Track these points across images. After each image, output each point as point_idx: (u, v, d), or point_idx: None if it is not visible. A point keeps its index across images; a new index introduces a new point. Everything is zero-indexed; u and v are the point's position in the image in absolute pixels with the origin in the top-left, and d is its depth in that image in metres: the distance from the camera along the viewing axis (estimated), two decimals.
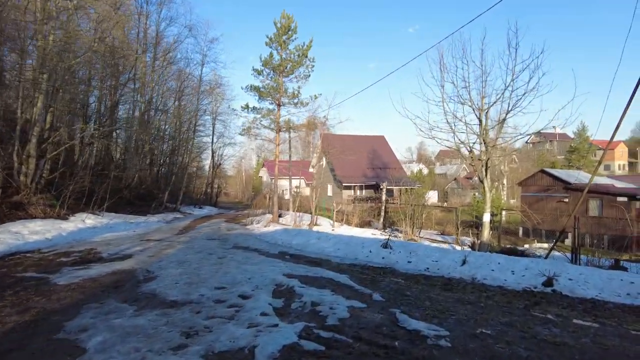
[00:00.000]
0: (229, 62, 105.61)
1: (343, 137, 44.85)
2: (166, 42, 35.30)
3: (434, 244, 14.21)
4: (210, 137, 48.14)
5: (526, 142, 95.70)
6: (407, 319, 4.87)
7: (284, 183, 41.52)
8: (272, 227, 17.78)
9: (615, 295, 6.88)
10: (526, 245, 19.25)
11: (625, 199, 19.75)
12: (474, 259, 8.45)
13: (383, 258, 9.39)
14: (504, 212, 39.29)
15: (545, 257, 10.52)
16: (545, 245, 19.60)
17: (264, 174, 67.78)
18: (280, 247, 11.61)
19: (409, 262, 8.96)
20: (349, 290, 6.50)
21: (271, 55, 24.42)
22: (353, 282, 7.06)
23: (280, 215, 28.38)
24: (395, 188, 36.78)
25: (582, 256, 12.45)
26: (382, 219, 23.30)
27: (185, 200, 38.09)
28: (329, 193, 42.67)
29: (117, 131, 28.55)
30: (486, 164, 11.20)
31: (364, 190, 40.04)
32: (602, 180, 26.45)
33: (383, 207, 23.35)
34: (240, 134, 32.22)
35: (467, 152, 11.57)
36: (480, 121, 11.16)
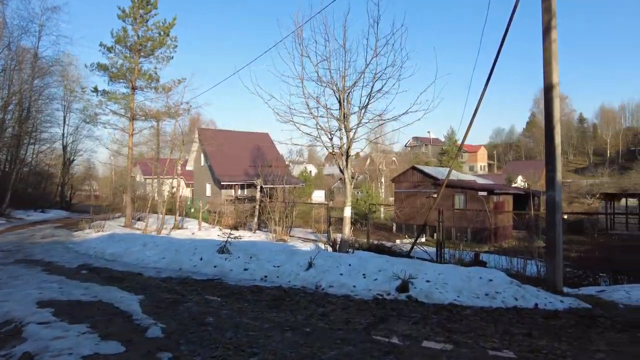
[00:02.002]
0: (76, 37, 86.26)
1: (224, 133, 41.95)
2: None
3: (299, 244, 12.63)
4: (61, 129, 41.00)
5: (405, 146, 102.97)
6: None
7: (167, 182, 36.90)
8: (100, 234, 14.50)
9: (474, 297, 5.78)
10: (397, 241, 18.95)
11: (485, 193, 20.80)
12: (322, 261, 6.84)
13: (215, 267, 7.32)
14: (382, 209, 40.55)
15: (408, 253, 9.52)
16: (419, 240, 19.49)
17: (140, 173, 61.03)
18: (88, 258, 8.83)
19: (245, 269, 7.02)
20: (120, 322, 4.26)
21: (125, 30, 20.74)
22: (141, 308, 4.83)
23: (139, 219, 24.61)
24: (278, 187, 35.26)
25: (447, 249, 12.04)
26: (256, 219, 21.26)
27: (26, 203, 31.34)
28: (208, 193, 39.36)
29: None
30: (347, 152, 9.85)
31: (245, 190, 37.64)
32: (466, 177, 28.22)
33: (257, 207, 21.32)
34: (85, 121, 27.19)
35: (327, 140, 10.10)
36: (341, 104, 9.78)
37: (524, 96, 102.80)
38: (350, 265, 6.64)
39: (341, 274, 6.40)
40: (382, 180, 47.93)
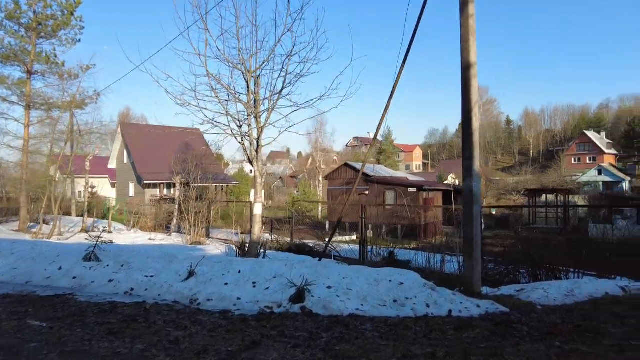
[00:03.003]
0: None
1: (151, 128, 38.93)
2: None
3: (210, 247, 11.32)
4: None
5: (346, 146, 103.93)
6: None
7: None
8: None
9: (380, 304, 4.87)
10: (327, 239, 18.12)
11: (414, 189, 20.61)
12: (207, 268, 5.63)
13: (74, 278, 5.85)
14: (320, 207, 39.80)
15: (323, 253, 8.57)
16: (347, 238, 18.82)
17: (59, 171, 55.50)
18: None
19: (110, 281, 5.63)
20: None
21: (17, 4, 18.00)
22: None
23: (45, 222, 21.69)
24: (209, 186, 33.28)
25: (373, 247, 11.30)
26: (175, 220, 19.44)
27: None
28: (131, 193, 36.33)
29: None
30: (257, 141, 8.69)
31: (172, 189, 35.13)
32: (398, 174, 28.20)
33: (177, 207, 19.50)
34: None
35: (237, 128, 8.85)
36: (249, 87, 8.59)
37: (457, 98, 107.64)
38: (240, 272, 5.49)
39: (226, 284, 5.23)
40: (320, 178, 47.36)
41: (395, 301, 4.94)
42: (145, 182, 32.64)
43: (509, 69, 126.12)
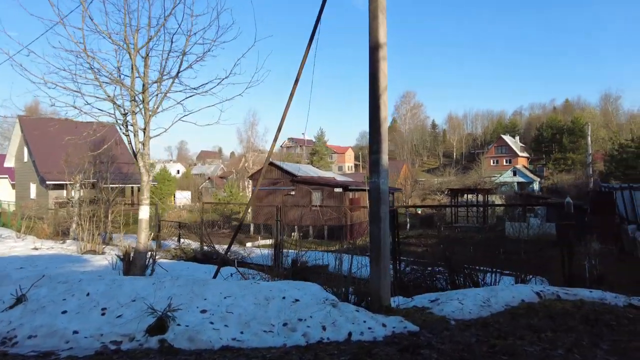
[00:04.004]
0: None
1: (56, 122, 34.82)
2: None
3: (98, 258, 9.70)
4: None
5: (281, 147, 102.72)
6: None
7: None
8: None
9: (266, 330, 3.90)
10: (249, 244, 16.93)
11: (341, 189, 20.10)
12: (46, 291, 4.30)
13: None
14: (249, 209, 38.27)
15: (223, 262, 7.42)
16: (269, 241, 17.72)
17: None
18: None
19: None
20: None
21: None
22: None
23: None
24: (125, 186, 30.47)
25: (289, 251, 10.39)
26: (74, 225, 17.08)
27: None
28: (32, 195, 32.21)
29: None
30: (144, 131, 7.35)
31: (81, 191, 31.63)
32: (326, 174, 27.69)
33: (76, 211, 17.15)
34: None
35: (121, 116, 7.43)
36: (134, 67, 7.23)
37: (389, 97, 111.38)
38: (89, 294, 4.23)
39: (64, 312, 3.95)
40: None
41: (285, 325, 4.00)
42: (48, 182, 28.98)
43: (434, 75, 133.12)
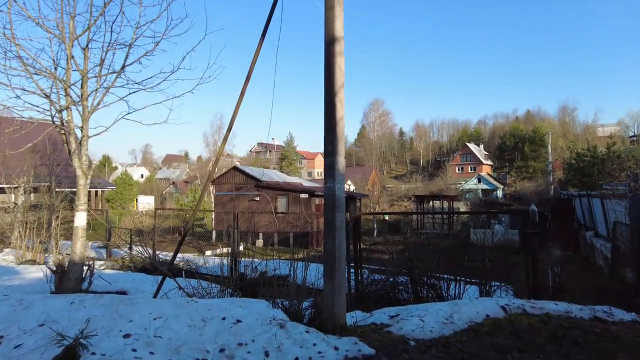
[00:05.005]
0: None
1: (3, 121, 32.62)
2: None
3: (32, 269, 8.81)
4: None
5: (250, 151, 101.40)
6: None
7: None
8: None
9: (197, 358, 3.35)
10: (208, 252, 16.14)
11: (307, 195, 19.64)
12: None
13: None
14: (213, 215, 37.12)
15: (166, 273, 6.75)
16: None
17: None
18: None
19: None
20: None
21: None
22: None
23: None
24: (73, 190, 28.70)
25: (248, 259, 9.77)
26: (16, 232, 15.72)
27: None
28: None
29: None
30: (82, 129, 6.63)
31: (32, 195, 29.71)
32: (293, 179, 27.17)
33: (18, 217, 15.81)
34: None
35: (55, 112, 6.67)
36: (69, 58, 6.52)
37: (356, 109, 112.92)
38: None
39: None
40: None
41: (222, 351, 3.46)
42: None
43: (402, 82, 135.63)
